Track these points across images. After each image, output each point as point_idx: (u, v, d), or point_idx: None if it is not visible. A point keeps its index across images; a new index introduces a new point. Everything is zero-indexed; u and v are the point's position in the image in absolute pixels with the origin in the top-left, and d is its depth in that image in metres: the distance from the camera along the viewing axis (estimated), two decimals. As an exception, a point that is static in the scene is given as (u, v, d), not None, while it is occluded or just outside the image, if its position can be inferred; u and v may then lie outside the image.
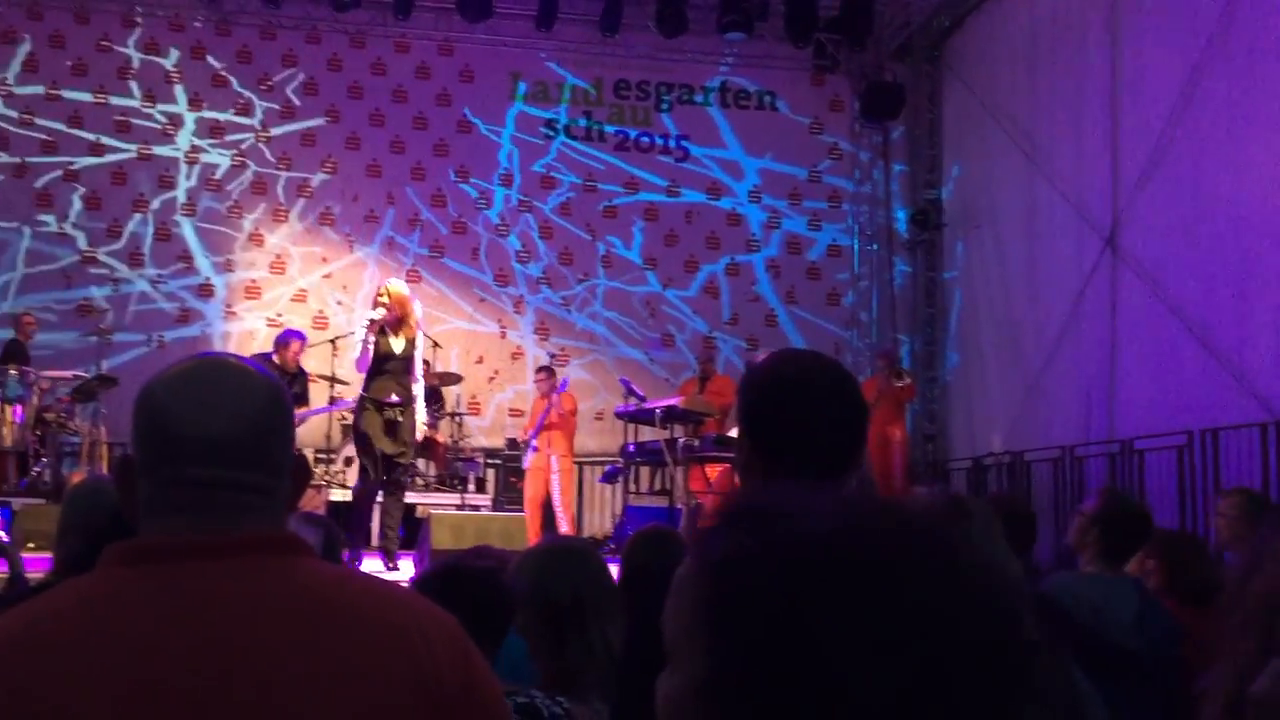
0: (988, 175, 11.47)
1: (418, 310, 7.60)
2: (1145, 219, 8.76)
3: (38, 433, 9.45)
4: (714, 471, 8.73)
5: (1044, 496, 9.48)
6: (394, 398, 7.20)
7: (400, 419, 7.24)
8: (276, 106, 12.13)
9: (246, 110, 12.07)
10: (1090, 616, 2.92)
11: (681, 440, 8.70)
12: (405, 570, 7.34)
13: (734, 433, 1.79)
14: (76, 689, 1.08)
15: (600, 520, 11.41)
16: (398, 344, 7.23)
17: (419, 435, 7.61)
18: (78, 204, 11.63)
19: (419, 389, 7.42)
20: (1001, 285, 11.09)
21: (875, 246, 12.96)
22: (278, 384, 1.31)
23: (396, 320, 7.25)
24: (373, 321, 7.20)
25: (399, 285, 7.51)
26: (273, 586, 1.19)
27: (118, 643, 1.11)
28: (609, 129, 12.70)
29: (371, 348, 7.17)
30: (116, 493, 1.29)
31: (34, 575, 3.78)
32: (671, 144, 12.78)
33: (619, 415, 9.45)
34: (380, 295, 7.30)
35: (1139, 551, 3.50)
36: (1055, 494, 9.45)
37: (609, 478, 10.02)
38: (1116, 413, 8.98)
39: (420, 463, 10.37)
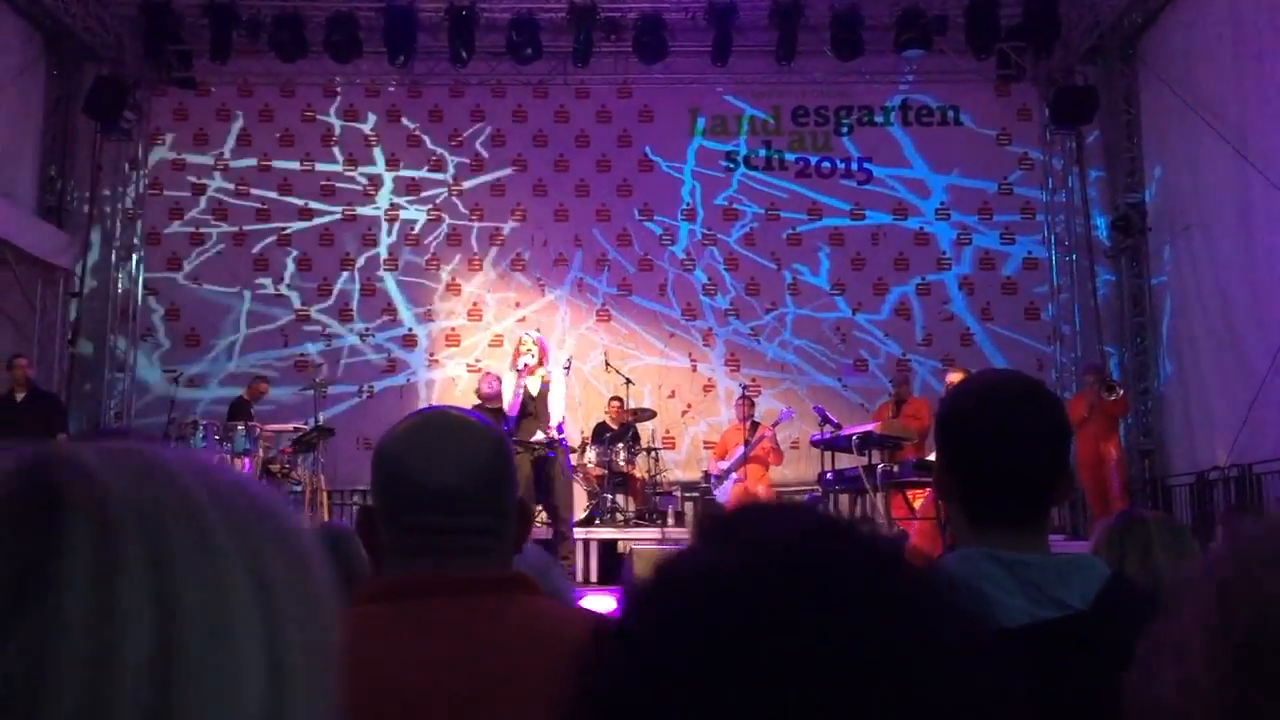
0: (1194, 174, 10.86)
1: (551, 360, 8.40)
2: (1377, 208, 8.11)
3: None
4: (916, 496, 8.52)
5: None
6: (539, 436, 7.71)
7: (546, 461, 7.82)
8: (467, 160, 12.63)
9: (439, 166, 12.62)
10: None
11: (880, 466, 8.53)
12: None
13: (933, 456, 1.75)
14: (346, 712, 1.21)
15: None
16: (534, 387, 7.78)
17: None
18: (291, 266, 12.39)
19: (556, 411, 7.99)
20: (1216, 288, 10.45)
21: (1075, 256, 12.43)
22: (500, 435, 1.43)
23: (536, 366, 7.94)
24: (526, 366, 7.87)
25: (537, 335, 8.34)
26: (508, 621, 1.30)
27: (376, 667, 1.23)
28: (789, 156, 12.66)
29: (522, 392, 7.75)
30: (359, 538, 1.42)
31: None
32: (854, 167, 12.63)
33: (815, 443, 9.34)
34: (523, 344, 8.02)
35: None
36: (1292, 508, 8.79)
37: (808, 507, 9.89)
38: (1357, 418, 8.30)
39: (619, 499, 10.53)
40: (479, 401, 9.96)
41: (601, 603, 7.82)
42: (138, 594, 0.48)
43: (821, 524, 0.62)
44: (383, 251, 12.48)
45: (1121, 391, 10.14)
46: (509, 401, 7.90)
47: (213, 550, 0.51)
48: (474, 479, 1.34)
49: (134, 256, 12.39)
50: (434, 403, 11.66)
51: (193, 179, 12.53)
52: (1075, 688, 1.37)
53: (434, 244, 12.52)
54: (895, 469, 8.41)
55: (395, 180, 12.61)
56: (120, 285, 12.31)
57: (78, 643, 0.46)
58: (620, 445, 10.41)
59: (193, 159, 12.57)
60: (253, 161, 12.56)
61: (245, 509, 0.54)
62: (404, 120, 12.68)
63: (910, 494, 8.59)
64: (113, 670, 0.46)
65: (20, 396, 9.41)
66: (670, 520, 10.58)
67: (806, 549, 0.59)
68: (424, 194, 12.60)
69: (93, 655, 0.46)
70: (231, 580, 0.51)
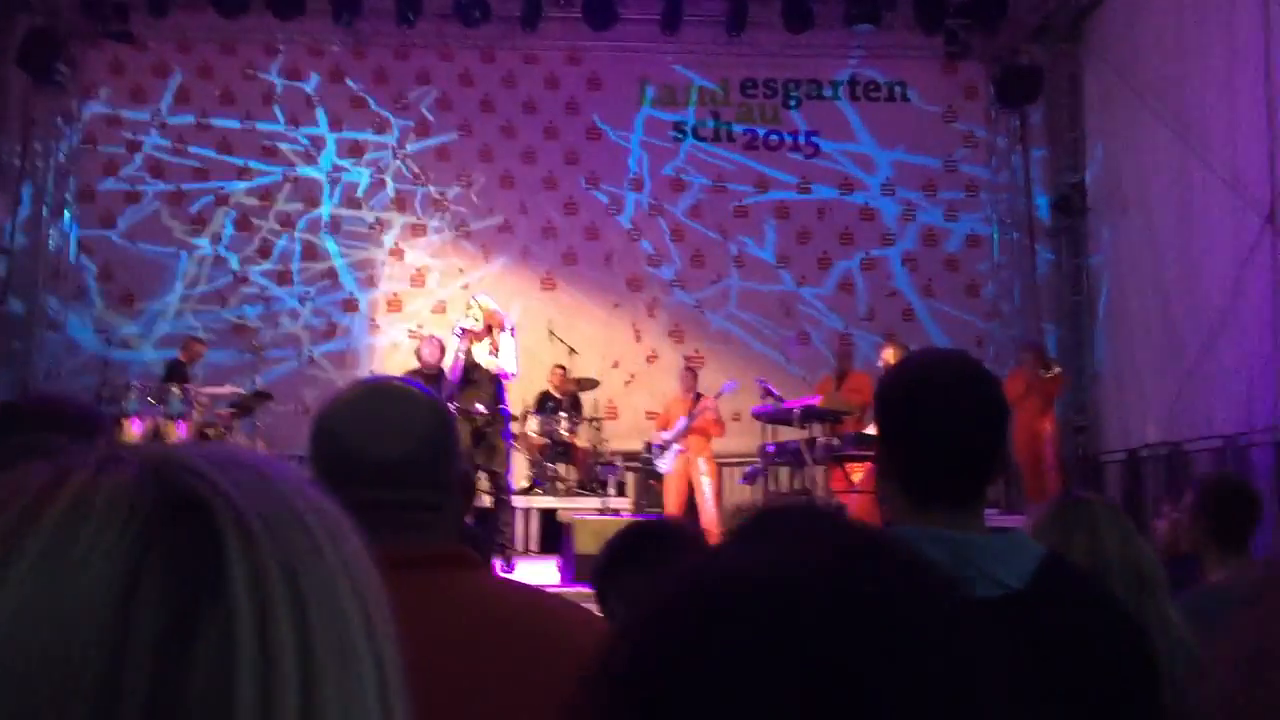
0: (1134, 156, 11.02)
1: (508, 325, 8.00)
2: (1309, 193, 8.27)
3: (200, 447, 9.92)
4: (855, 470, 8.60)
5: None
6: (479, 408, 7.52)
7: (487, 430, 7.58)
8: (412, 123, 12.45)
9: (384, 128, 12.42)
10: None
11: (820, 439, 8.60)
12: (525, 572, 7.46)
13: (873, 430, 1.76)
14: None
15: (741, 522, 11.34)
16: (481, 355, 7.56)
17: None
18: (229, 227, 12.15)
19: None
20: (1153, 269, 10.64)
21: (1016, 235, 12.58)
22: (442, 405, 1.38)
23: (483, 333, 7.61)
24: (465, 331, 7.54)
25: (487, 300, 7.92)
26: (448, 599, 1.26)
27: None
28: (737, 128, 12.64)
29: (463, 357, 7.52)
30: None
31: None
32: (801, 140, 12.64)
33: (756, 415, 9.39)
34: (469, 309, 7.65)
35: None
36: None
37: (749, 479, 9.97)
38: (1284, 399, 8.50)
39: (560, 468, 10.52)
40: (418, 367, 9.85)
41: (540, 571, 7.81)
42: (282, 606, 0.49)
43: (847, 534, 0.61)
44: (324, 214, 12.28)
45: (1058, 369, 10.31)
46: (449, 365, 7.74)
47: (324, 560, 0.52)
48: (415, 452, 1.29)
49: (66, 213, 12.09)
50: (374, 369, 11.54)
51: (128, 135, 12.21)
52: (1017, 667, 1.38)
53: (377, 208, 12.35)
54: (836, 442, 8.49)
55: (338, 142, 12.40)
56: (52, 242, 12.00)
57: (249, 653, 0.48)
58: (563, 415, 10.39)
59: (128, 115, 12.26)
60: (191, 119, 12.27)
61: (331, 516, 0.55)
62: (348, 81, 12.45)
63: (849, 468, 8.67)
64: (275, 680, 0.48)
65: (-54, 355, 9.17)
66: (611, 490, 10.59)
67: (842, 561, 0.57)
68: (367, 156, 12.41)
69: (260, 664, 0.48)
70: (342, 591, 0.53)
